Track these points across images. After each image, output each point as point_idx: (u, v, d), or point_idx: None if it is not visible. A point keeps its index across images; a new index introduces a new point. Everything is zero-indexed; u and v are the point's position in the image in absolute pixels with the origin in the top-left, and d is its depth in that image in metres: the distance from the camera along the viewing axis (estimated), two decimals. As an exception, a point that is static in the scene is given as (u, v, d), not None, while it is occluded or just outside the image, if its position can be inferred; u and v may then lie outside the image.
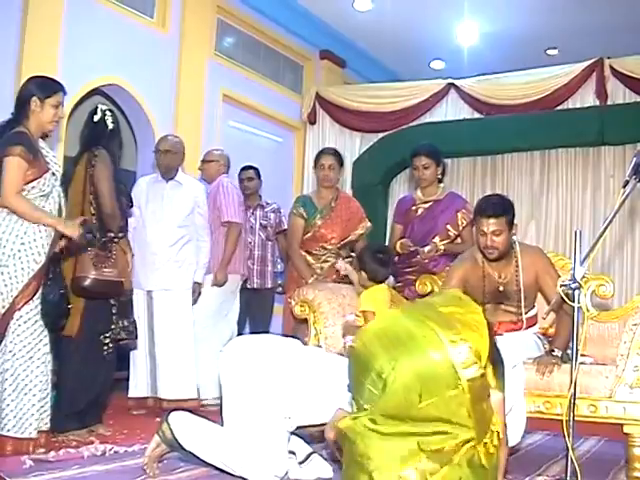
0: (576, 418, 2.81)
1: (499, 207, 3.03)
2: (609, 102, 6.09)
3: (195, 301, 4.29)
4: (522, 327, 3.15)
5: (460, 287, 3.22)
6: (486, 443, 2.04)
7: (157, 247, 4.15)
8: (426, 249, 3.99)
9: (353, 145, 7.32)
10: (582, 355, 3.06)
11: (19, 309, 2.86)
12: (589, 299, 3.31)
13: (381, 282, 3.29)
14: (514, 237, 3.12)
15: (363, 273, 3.26)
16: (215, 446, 2.52)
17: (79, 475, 2.50)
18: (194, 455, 2.54)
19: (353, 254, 4.17)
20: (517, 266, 3.12)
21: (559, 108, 6.28)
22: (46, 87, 3.04)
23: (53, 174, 3.01)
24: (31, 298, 2.89)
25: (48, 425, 3.01)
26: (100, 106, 3.51)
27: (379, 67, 8.30)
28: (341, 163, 4.32)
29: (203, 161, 4.79)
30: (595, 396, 2.76)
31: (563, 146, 6.29)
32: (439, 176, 4.13)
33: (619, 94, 6.09)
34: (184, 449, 2.53)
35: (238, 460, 2.49)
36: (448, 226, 4.04)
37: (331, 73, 7.75)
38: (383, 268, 3.26)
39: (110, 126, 3.45)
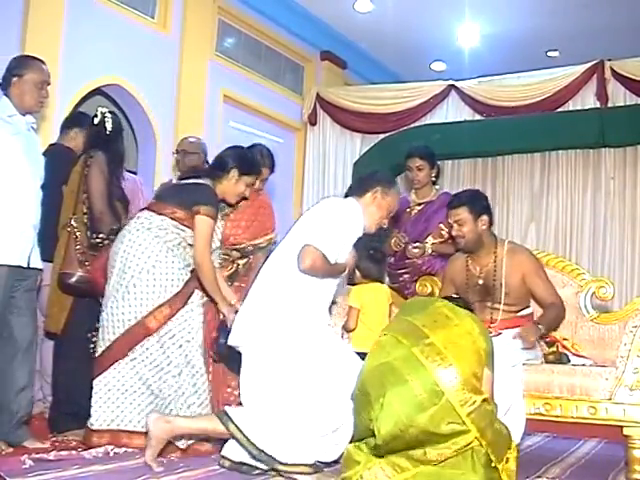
0: (576, 420, 2.82)
1: (460, 199, 3.21)
2: (609, 104, 6.09)
3: None
4: (513, 324, 3.14)
5: (450, 287, 3.34)
6: (508, 459, 2.10)
7: None
8: (414, 250, 3.97)
9: (354, 146, 7.32)
10: (582, 357, 3.08)
11: (155, 329, 2.93)
12: (589, 301, 3.32)
13: (375, 280, 3.27)
14: (482, 227, 3.15)
15: (357, 271, 3.25)
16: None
17: (79, 475, 2.50)
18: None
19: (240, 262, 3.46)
20: (495, 261, 3.15)
21: (560, 110, 6.28)
22: (250, 165, 3.18)
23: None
24: (169, 320, 2.95)
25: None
26: (100, 109, 3.52)
27: (380, 68, 8.31)
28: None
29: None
30: (595, 398, 2.76)
31: (563, 148, 6.29)
32: (433, 178, 4.12)
33: (619, 96, 6.09)
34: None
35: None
36: (441, 225, 4.03)
37: (332, 74, 7.75)
38: (375, 266, 3.25)
39: (109, 128, 3.46)
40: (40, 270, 3.06)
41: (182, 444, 2.87)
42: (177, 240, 3.03)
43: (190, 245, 3.05)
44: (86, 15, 5.05)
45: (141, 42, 5.52)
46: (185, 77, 5.90)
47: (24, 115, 2.96)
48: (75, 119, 3.90)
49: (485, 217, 3.15)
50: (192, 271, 3.05)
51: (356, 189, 2.91)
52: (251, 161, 3.23)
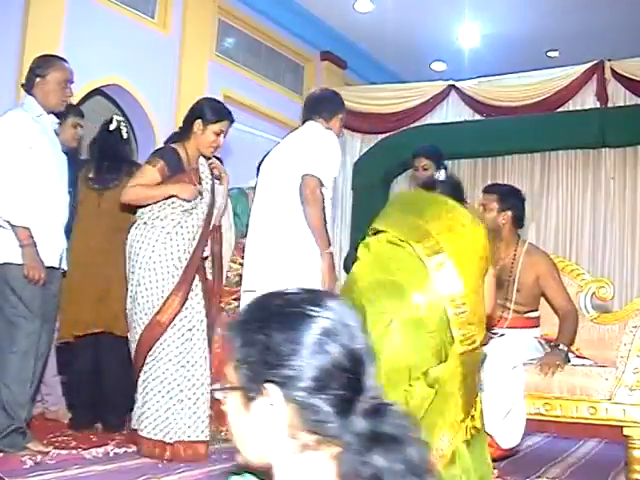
0: (576, 420, 2.82)
1: (496, 187, 3.44)
2: (609, 104, 6.09)
3: None
4: (519, 324, 3.13)
5: None
6: (473, 416, 2.01)
7: None
8: None
9: (354, 146, 7.32)
10: (582, 357, 3.08)
11: (168, 323, 2.90)
12: (589, 301, 3.32)
13: None
14: (503, 221, 3.21)
15: None
16: None
17: (79, 475, 2.51)
18: None
19: None
20: (514, 258, 3.17)
21: (560, 110, 6.27)
22: (213, 112, 3.08)
23: (200, 193, 3.06)
24: (180, 310, 2.92)
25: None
26: (115, 117, 3.64)
27: (380, 68, 8.30)
28: None
29: None
30: (595, 398, 2.76)
31: (563, 148, 6.29)
32: None
33: (620, 96, 6.09)
34: None
35: None
36: None
37: (332, 74, 7.75)
38: None
39: (125, 136, 3.61)
40: (65, 272, 3.04)
41: (169, 439, 2.85)
42: (172, 223, 2.98)
43: (183, 211, 3.00)
44: (86, 15, 5.05)
45: (141, 42, 5.52)
46: (185, 77, 5.90)
47: (49, 114, 2.97)
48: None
49: (509, 214, 3.21)
50: (191, 258, 3.02)
51: (320, 112, 3.00)
52: (210, 108, 3.13)
